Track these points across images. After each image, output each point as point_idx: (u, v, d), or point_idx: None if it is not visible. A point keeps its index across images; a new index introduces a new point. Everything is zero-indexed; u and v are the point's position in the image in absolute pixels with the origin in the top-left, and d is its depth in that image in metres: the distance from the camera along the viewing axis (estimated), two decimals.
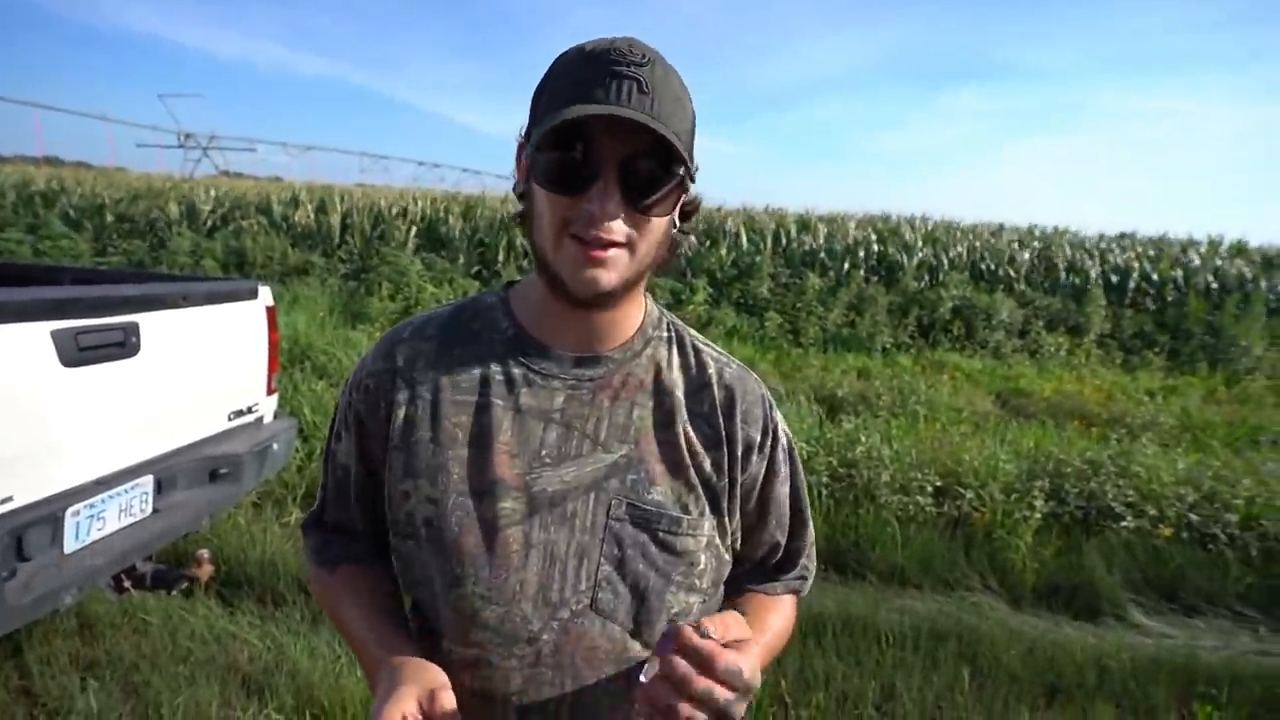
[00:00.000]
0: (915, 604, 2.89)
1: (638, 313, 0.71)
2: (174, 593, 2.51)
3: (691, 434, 0.68)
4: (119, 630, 2.26)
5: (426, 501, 0.65)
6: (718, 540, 0.69)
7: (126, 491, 2.07)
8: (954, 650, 2.46)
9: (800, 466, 0.77)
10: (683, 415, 0.69)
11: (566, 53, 0.61)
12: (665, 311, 0.75)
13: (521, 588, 0.63)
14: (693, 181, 0.64)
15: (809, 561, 0.80)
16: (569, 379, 0.67)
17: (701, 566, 0.68)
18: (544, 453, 0.65)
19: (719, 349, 0.75)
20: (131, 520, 2.10)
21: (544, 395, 0.67)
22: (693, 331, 0.75)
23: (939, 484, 3.64)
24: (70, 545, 1.87)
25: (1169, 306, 9.02)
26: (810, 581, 0.82)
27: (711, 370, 0.71)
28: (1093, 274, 9.41)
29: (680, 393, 0.69)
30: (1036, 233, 11.80)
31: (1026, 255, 9.96)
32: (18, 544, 1.71)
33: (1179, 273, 9.54)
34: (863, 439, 3.95)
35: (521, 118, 0.65)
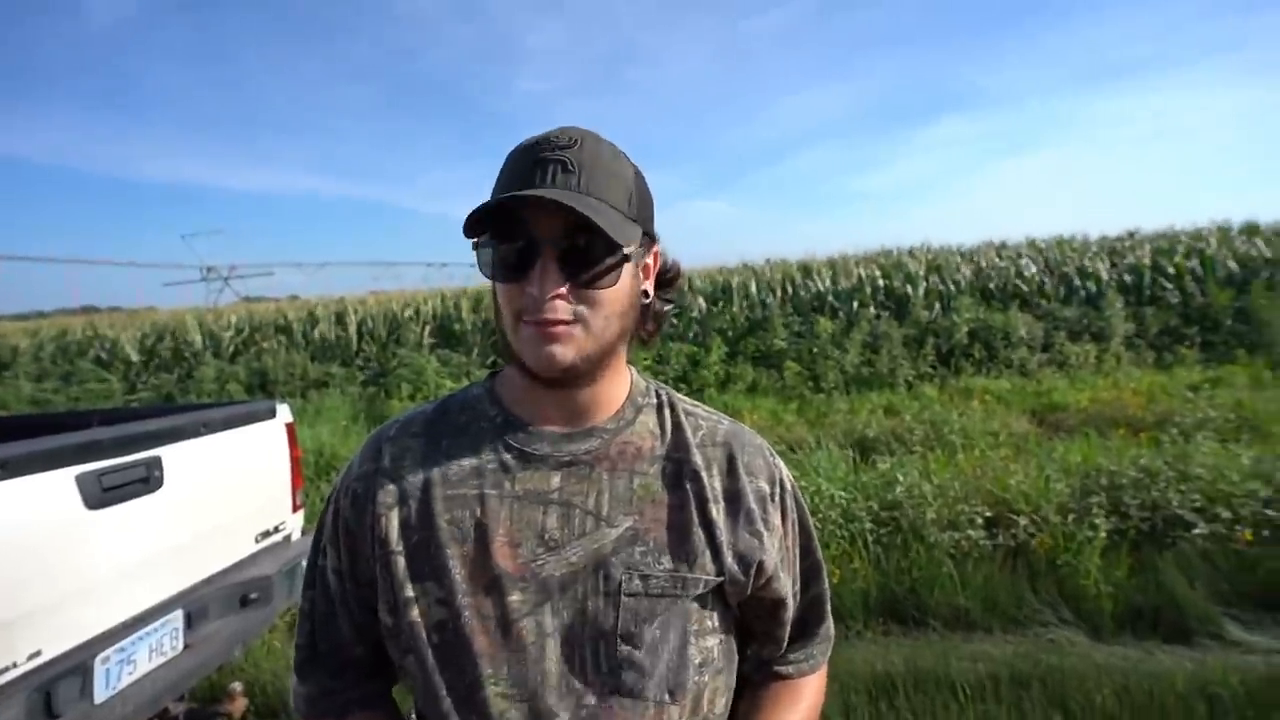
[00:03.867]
0: (987, 648, 2.69)
1: (622, 383, 0.70)
2: None
3: (696, 494, 0.67)
4: None
5: (437, 604, 0.63)
6: (727, 590, 0.67)
7: (156, 630, 2.02)
8: (1040, 696, 2.26)
9: (807, 512, 0.75)
10: (685, 477, 0.67)
11: (511, 150, 0.63)
12: (651, 380, 0.75)
13: (543, 679, 0.60)
14: (654, 242, 0.65)
15: (829, 621, 0.79)
16: (563, 456, 0.66)
17: (709, 611, 0.66)
18: (546, 537, 0.63)
19: (709, 409, 0.75)
20: (162, 659, 2.04)
21: (539, 477, 0.65)
22: (680, 395, 0.75)
23: (989, 514, 3.47)
24: (100, 695, 1.82)
25: (1192, 298, 8.83)
26: (832, 640, 0.80)
27: (705, 429, 0.71)
28: (1105, 277, 9.30)
29: (679, 454, 0.68)
30: (1040, 245, 11.76)
31: (1034, 268, 9.90)
32: (46, 701, 1.66)
33: (1195, 262, 9.38)
34: (900, 478, 3.81)
35: None
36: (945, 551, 3.25)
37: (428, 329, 10.34)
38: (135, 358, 11.28)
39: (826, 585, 0.77)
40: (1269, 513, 3.20)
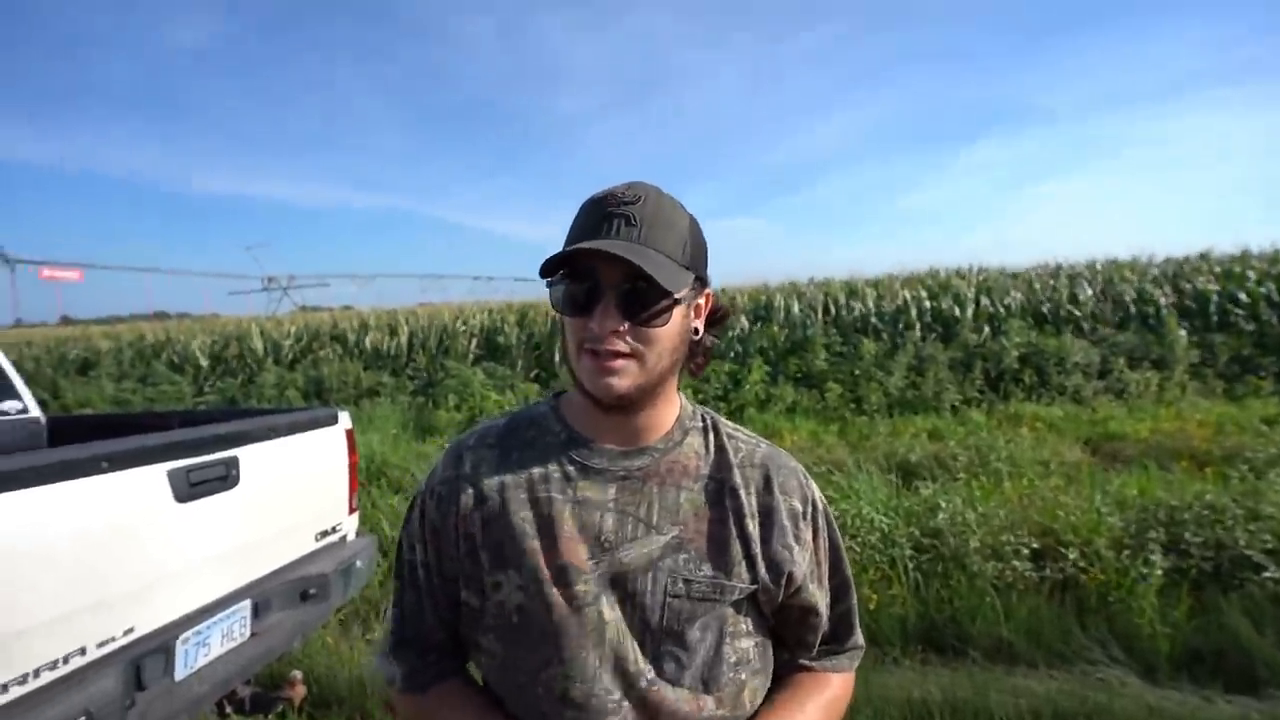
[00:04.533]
0: (1030, 683, 2.63)
1: (672, 409, 0.79)
2: (270, 716, 2.57)
3: (734, 509, 0.75)
4: None
5: (517, 589, 0.72)
6: (760, 598, 0.75)
7: (228, 617, 2.19)
8: None
9: (837, 531, 0.82)
10: (725, 494, 0.75)
11: (584, 201, 0.73)
12: (699, 405, 0.84)
13: (600, 663, 0.69)
14: (705, 286, 0.74)
15: (858, 632, 0.85)
16: (619, 471, 0.75)
17: (745, 616, 0.74)
18: (603, 538, 0.72)
19: (749, 432, 0.83)
20: (232, 644, 2.20)
21: (598, 487, 0.74)
22: (725, 420, 0.83)
23: (1036, 546, 3.39)
24: (180, 673, 1.98)
25: (1267, 325, 8.38)
26: (862, 650, 0.86)
27: (745, 451, 0.79)
28: (1163, 302, 8.92)
29: (721, 474, 0.76)
30: (1098, 266, 11.36)
31: (1090, 291, 9.58)
32: (137, 674, 1.83)
33: (1270, 287, 8.90)
34: (943, 504, 3.76)
35: (560, 223, 0.77)
36: (989, 581, 3.20)
37: (474, 341, 10.64)
38: (204, 362, 11.94)
39: (855, 601, 0.83)
40: None
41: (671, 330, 0.70)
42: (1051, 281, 10.37)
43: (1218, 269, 9.86)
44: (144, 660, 1.85)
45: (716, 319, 0.79)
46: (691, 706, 0.70)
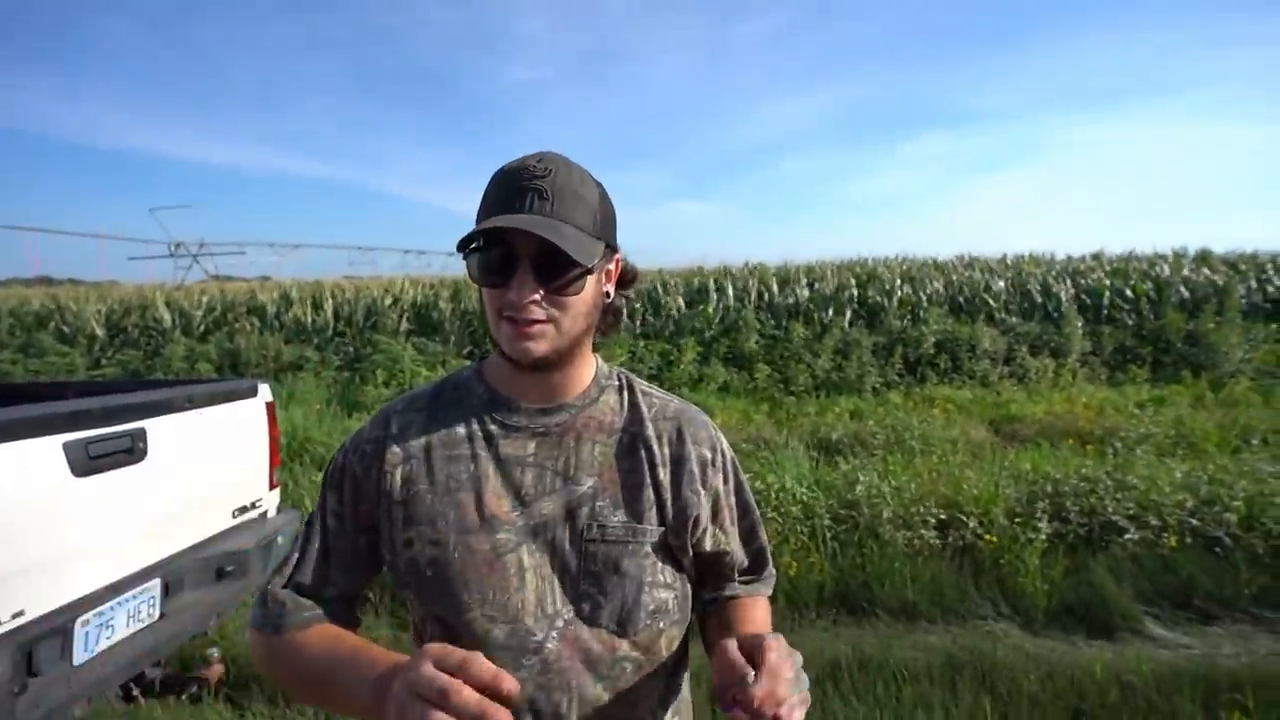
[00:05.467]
0: (930, 639, 2.87)
1: (588, 368, 0.83)
2: (184, 697, 2.47)
3: (647, 459, 0.80)
4: None
5: (430, 544, 0.74)
6: (673, 542, 0.80)
7: (135, 597, 2.08)
8: (972, 680, 2.44)
9: (744, 478, 0.89)
10: (639, 445, 0.80)
11: (495, 172, 0.74)
12: (615, 366, 0.88)
13: (523, 605, 0.73)
14: (615, 252, 0.78)
15: (770, 562, 0.92)
16: (538, 427, 0.79)
17: (663, 565, 0.79)
18: (524, 491, 0.76)
19: (662, 390, 0.88)
20: (140, 626, 2.11)
21: (518, 444, 0.78)
22: (640, 379, 0.88)
23: (942, 516, 3.66)
24: (80, 657, 1.88)
25: (1146, 320, 9.25)
26: (774, 577, 0.93)
27: (658, 406, 0.85)
28: (1064, 296, 9.67)
29: (635, 428, 0.82)
30: (1009, 261, 12.16)
31: (1002, 284, 10.25)
32: (28, 659, 1.73)
33: (1150, 286, 9.82)
34: (860, 478, 3.99)
35: None
36: (899, 549, 3.43)
37: (405, 317, 10.31)
38: (100, 333, 11.03)
39: (765, 538, 0.91)
40: (1193, 521, 3.45)
41: (585, 297, 0.74)
42: (968, 273, 11.02)
43: (1108, 267, 10.77)
44: (37, 644, 1.75)
45: (626, 281, 0.84)
46: (606, 646, 0.75)
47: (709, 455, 0.84)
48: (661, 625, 0.78)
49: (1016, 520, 3.55)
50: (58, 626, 1.81)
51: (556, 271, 0.70)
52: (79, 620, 1.88)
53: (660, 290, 10.53)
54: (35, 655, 1.75)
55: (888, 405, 6.93)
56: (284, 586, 0.79)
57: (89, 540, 1.95)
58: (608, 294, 0.80)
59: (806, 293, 10.24)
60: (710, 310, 9.74)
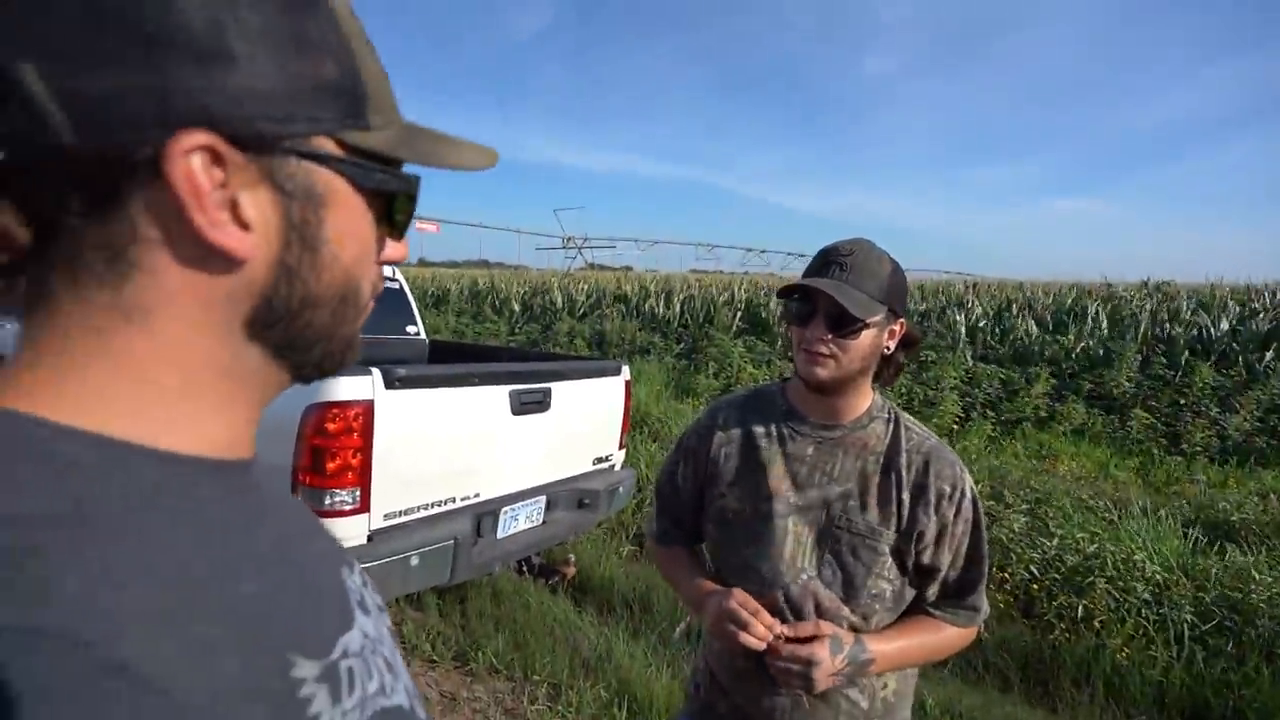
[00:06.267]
0: None
1: (864, 401, 1.08)
2: (549, 583, 3.42)
3: (896, 480, 1.02)
4: (514, 601, 3.19)
5: (732, 500, 1.10)
6: (901, 548, 1.01)
7: (529, 505, 2.99)
8: None
9: (983, 518, 1.03)
10: (892, 468, 1.03)
11: (821, 249, 1.04)
12: (889, 402, 1.11)
13: (782, 555, 1.03)
14: (898, 317, 1.02)
15: (979, 599, 1.05)
16: (817, 437, 1.07)
17: (889, 564, 1.01)
18: (799, 480, 1.06)
19: (925, 429, 1.08)
20: (530, 525, 3.01)
21: (802, 446, 1.07)
22: (907, 416, 1.09)
23: None
24: (501, 533, 2.82)
25: None
26: (981, 616, 1.06)
27: (915, 441, 1.05)
28: None
29: (892, 454, 1.04)
30: None
31: None
32: (477, 525, 2.68)
33: None
34: (1256, 576, 3.14)
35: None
36: None
37: (739, 315, 11.20)
38: (517, 308, 14.64)
39: (984, 575, 1.05)
40: None
41: (862, 344, 0.99)
42: None
43: None
44: (483, 516, 2.69)
45: (908, 343, 1.07)
46: (831, 603, 1.01)
47: (948, 490, 1.02)
48: (877, 607, 1.01)
49: None
50: (493, 509, 2.76)
51: (842, 322, 0.97)
52: (503, 509, 2.80)
53: (1012, 309, 9.31)
54: (481, 523, 2.70)
55: None
56: (659, 513, 1.23)
57: (512, 459, 2.88)
58: (888, 348, 1.04)
59: (1228, 324, 7.87)
60: (1073, 336, 8.25)
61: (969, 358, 8.21)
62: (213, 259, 0.32)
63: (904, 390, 7.12)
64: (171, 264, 0.32)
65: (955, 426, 6.80)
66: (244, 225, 0.33)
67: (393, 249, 0.41)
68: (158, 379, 0.33)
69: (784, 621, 0.99)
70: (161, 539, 0.30)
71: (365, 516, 2.31)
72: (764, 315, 11.05)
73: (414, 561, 2.41)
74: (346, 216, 0.36)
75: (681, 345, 10.49)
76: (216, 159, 0.31)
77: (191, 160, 0.30)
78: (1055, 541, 3.54)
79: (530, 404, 2.88)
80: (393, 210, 0.39)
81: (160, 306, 0.32)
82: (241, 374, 0.36)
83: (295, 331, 0.36)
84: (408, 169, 0.39)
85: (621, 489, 3.42)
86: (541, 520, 3.07)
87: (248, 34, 0.31)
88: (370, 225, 0.38)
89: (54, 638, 0.24)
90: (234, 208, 0.32)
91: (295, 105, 0.32)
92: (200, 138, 0.30)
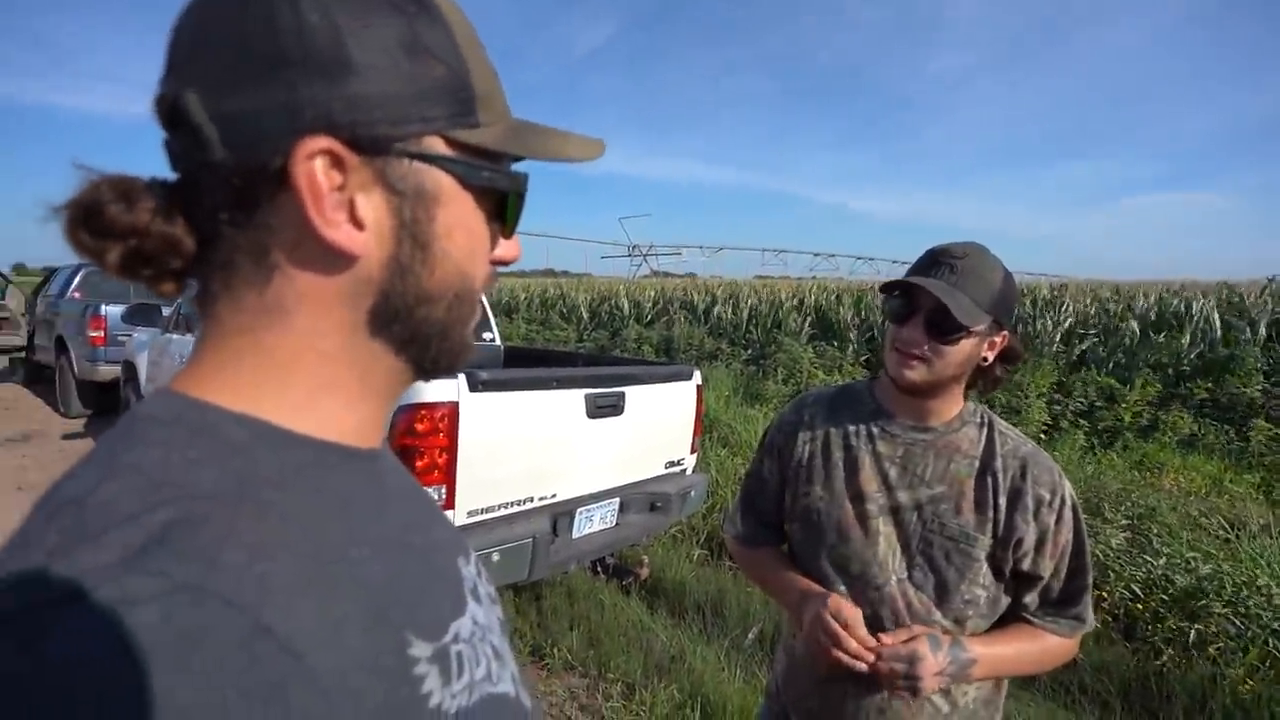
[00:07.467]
0: None
1: (955, 406, 1.05)
2: (623, 584, 3.46)
3: (992, 485, 0.98)
4: (588, 600, 3.25)
5: (819, 499, 1.08)
6: (998, 554, 0.97)
7: (604, 506, 3.04)
8: None
9: (1083, 525, 0.98)
10: (988, 473, 0.99)
11: (929, 248, 1.01)
12: (982, 406, 1.07)
13: (873, 555, 1.01)
14: (1003, 329, 0.98)
15: (1085, 610, 1.00)
16: (907, 439, 1.05)
17: (984, 570, 0.97)
18: (889, 480, 1.04)
19: (1020, 434, 1.04)
20: (604, 526, 3.07)
21: (891, 446, 1.05)
22: (1002, 422, 1.05)
23: None
24: (576, 533, 2.88)
25: None
26: (1086, 627, 1.00)
27: (1010, 446, 1.01)
28: None
29: (987, 459, 1.01)
30: None
31: None
32: (554, 524, 2.76)
33: None
34: None
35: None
36: None
37: (808, 320, 10.98)
38: (585, 315, 14.89)
39: (1089, 585, 0.99)
40: None
41: (959, 350, 0.96)
42: None
43: None
44: (559, 516, 2.77)
45: (1009, 357, 1.02)
46: (923, 605, 0.98)
47: (1046, 496, 0.97)
48: (970, 612, 0.98)
49: None
50: (569, 509, 2.83)
51: (944, 326, 0.94)
52: (579, 510, 2.87)
53: (1109, 311, 8.70)
54: (557, 523, 2.78)
55: None
56: (744, 512, 1.22)
57: (588, 461, 2.95)
58: (985, 359, 1.00)
59: None
60: (1185, 340, 7.62)
61: (1059, 362, 7.74)
62: (333, 258, 0.35)
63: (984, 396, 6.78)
64: (302, 264, 0.35)
65: (1042, 436, 6.41)
66: (359, 225, 0.35)
67: (505, 248, 0.42)
68: (298, 372, 0.37)
69: (874, 623, 0.98)
70: (304, 516, 0.33)
71: (450, 513, 2.42)
72: (834, 320, 10.78)
73: (495, 558, 2.50)
74: (457, 214, 0.38)
75: (749, 351, 10.38)
76: (336, 162, 0.33)
77: (314, 164, 0.33)
78: (1163, 561, 3.29)
79: (605, 407, 2.94)
80: (503, 208, 0.40)
81: (296, 306, 0.36)
82: (369, 368, 0.39)
83: (414, 327, 0.38)
84: (517, 168, 0.40)
85: (693, 493, 3.43)
86: (615, 522, 3.12)
87: (365, 44, 0.33)
88: (481, 223, 0.40)
89: (216, 598, 0.28)
90: (350, 208, 0.35)
91: (409, 106, 0.34)
92: (322, 143, 0.33)
